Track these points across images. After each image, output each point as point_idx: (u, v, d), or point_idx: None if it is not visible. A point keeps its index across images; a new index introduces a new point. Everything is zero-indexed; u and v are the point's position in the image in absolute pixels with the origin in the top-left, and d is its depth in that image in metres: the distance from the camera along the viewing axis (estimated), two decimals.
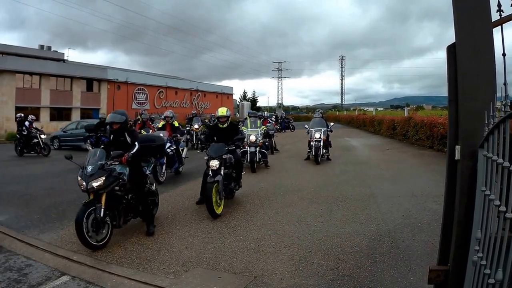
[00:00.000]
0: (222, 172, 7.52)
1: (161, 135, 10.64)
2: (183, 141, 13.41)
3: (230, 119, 8.79)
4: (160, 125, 12.68)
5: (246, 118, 16.57)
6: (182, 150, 12.84)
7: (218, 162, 7.45)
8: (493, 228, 2.46)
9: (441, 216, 3.57)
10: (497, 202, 2.35)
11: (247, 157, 12.75)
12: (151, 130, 14.30)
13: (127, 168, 6.22)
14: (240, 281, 4.58)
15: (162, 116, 13.16)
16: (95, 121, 22.52)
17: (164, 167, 11.02)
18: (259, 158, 13.08)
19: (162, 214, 7.44)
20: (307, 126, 15.10)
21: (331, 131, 15.27)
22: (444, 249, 3.49)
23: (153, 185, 7.22)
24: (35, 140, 18.35)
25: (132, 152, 6.20)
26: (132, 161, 6.27)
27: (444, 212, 3.53)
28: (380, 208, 7.56)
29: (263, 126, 14.62)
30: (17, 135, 19.06)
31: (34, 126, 18.95)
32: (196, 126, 21.52)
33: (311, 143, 14.29)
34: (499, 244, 2.29)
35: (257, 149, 12.95)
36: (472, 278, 2.73)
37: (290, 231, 6.33)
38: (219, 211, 7.25)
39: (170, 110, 13.23)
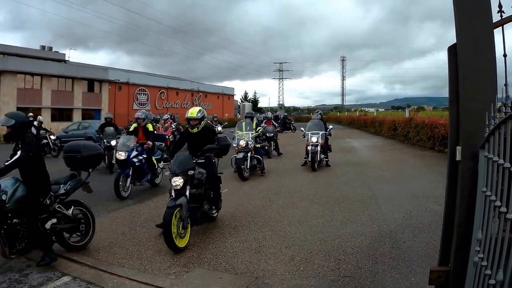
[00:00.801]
0: (187, 193, 5.93)
1: (126, 141, 9.66)
2: (160, 148, 11.40)
3: (204, 121, 6.89)
4: (131, 128, 10.74)
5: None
6: (160, 159, 10.75)
7: (182, 180, 5.88)
8: (494, 229, 2.46)
9: (442, 217, 3.57)
10: (498, 203, 2.35)
11: (233, 164, 11.74)
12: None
13: (17, 184, 4.99)
14: (241, 281, 4.58)
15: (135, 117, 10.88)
16: (96, 122, 22.59)
17: (129, 180, 9.21)
18: (252, 165, 11.86)
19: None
20: (303, 129, 13.71)
21: (330, 134, 14.08)
22: (445, 249, 3.49)
23: (68, 209, 5.55)
24: (45, 141, 18.32)
25: (6, 163, 4.88)
26: (25, 175, 5.08)
27: (445, 213, 3.52)
28: (381, 209, 7.56)
29: (260, 128, 13.21)
30: None
31: (44, 127, 18.96)
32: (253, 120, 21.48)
33: (308, 148, 12.88)
34: (500, 245, 2.29)
35: (249, 154, 11.60)
36: (473, 279, 2.73)
37: (291, 232, 6.34)
38: (181, 243, 5.64)
39: (143, 110, 11.03)
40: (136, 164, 9.40)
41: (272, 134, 17.17)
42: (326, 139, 13.48)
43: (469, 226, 3.02)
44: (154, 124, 15.43)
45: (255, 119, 14.62)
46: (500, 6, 3.14)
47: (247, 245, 5.78)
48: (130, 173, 9.24)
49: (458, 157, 3.27)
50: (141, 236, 6.29)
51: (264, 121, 20.54)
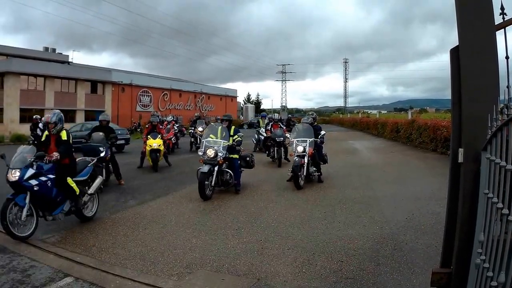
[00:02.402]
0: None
1: (24, 154, 6.37)
2: (91, 164, 7.74)
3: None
4: (43, 137, 7.33)
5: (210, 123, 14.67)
6: (88, 181, 7.45)
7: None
8: (496, 231, 2.46)
9: (444, 218, 3.57)
10: (500, 205, 2.35)
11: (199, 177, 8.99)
12: (158, 136, 13.62)
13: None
14: (243, 283, 4.59)
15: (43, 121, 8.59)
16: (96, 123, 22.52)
17: (24, 211, 6.04)
18: (224, 180, 9.53)
19: (164, 216, 7.46)
20: (289, 135, 11.65)
21: (322, 142, 11.38)
22: (447, 251, 3.49)
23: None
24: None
25: None
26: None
27: (447, 215, 3.52)
28: (384, 211, 7.55)
29: (237, 136, 9.88)
30: (31, 137, 19.07)
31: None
32: (200, 128, 19.83)
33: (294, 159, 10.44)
34: (502, 247, 2.29)
35: (216, 168, 9.11)
36: (475, 281, 2.73)
37: (294, 234, 6.34)
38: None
39: (56, 110, 7.29)
40: (35, 188, 6.16)
41: (282, 139, 14.63)
42: (319, 147, 11.25)
43: (471, 228, 3.02)
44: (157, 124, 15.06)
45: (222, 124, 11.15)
46: (502, 8, 3.15)
47: (250, 246, 5.78)
48: (27, 201, 6.10)
49: (461, 159, 3.27)
50: (144, 237, 6.30)
51: (270, 124, 18.39)
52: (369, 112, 78.92)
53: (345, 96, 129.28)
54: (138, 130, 41.80)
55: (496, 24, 3.21)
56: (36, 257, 5.47)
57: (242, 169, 10.17)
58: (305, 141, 10.50)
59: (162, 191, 10.04)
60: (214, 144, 9.40)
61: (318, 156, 10.96)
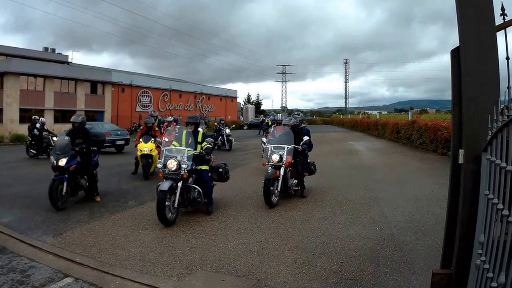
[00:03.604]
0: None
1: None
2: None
3: None
4: None
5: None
6: None
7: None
8: (496, 231, 2.46)
9: (444, 219, 3.57)
10: (500, 206, 2.35)
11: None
12: (155, 139, 12.36)
13: None
14: (243, 284, 4.58)
15: None
16: (99, 123, 22.46)
17: None
18: (191, 198, 7.46)
19: None
20: (264, 140, 9.74)
21: (305, 150, 9.16)
22: (447, 252, 3.49)
23: None
24: (47, 142, 18.38)
25: None
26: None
27: (447, 216, 3.53)
28: (384, 212, 7.55)
29: (205, 143, 7.80)
30: (29, 137, 19.10)
31: (46, 129, 19.01)
32: (199, 129, 19.70)
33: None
34: (502, 247, 2.29)
35: (179, 184, 7.10)
36: (475, 282, 2.73)
37: (294, 234, 6.33)
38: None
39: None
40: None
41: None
42: (305, 156, 9.40)
43: (471, 229, 3.03)
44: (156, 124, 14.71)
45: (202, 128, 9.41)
46: (503, 9, 3.15)
47: (250, 247, 5.78)
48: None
49: (461, 160, 3.27)
50: (144, 238, 6.29)
51: (273, 126, 15.46)
52: (369, 112, 78.95)
53: (346, 97, 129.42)
54: (138, 130, 41.82)
55: (496, 25, 3.21)
56: (35, 258, 5.46)
57: (214, 182, 8.40)
58: (283, 148, 8.67)
59: None
60: (176, 154, 7.45)
61: (301, 166, 9.18)
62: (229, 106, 68.75)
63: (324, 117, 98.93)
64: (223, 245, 5.87)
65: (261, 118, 47.21)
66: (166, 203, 6.85)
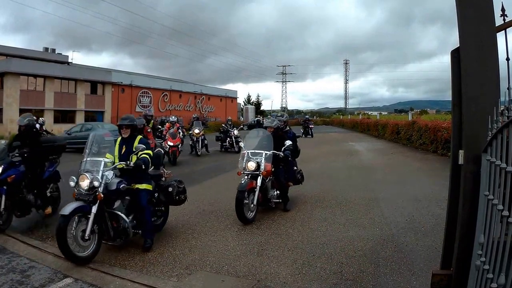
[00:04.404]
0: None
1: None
2: None
3: None
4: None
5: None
6: None
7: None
8: (496, 232, 2.46)
9: (444, 220, 3.57)
10: (500, 207, 2.35)
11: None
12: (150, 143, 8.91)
13: None
14: (243, 284, 4.58)
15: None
16: (99, 124, 22.32)
17: None
18: (120, 228, 5.56)
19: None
20: (242, 145, 8.05)
21: (286, 156, 7.74)
22: (447, 253, 3.49)
23: None
24: None
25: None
26: None
27: (447, 217, 3.52)
28: (384, 213, 7.55)
29: (142, 153, 5.81)
30: None
31: (45, 129, 18.99)
32: (196, 130, 18.54)
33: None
34: (502, 248, 2.28)
35: (94, 209, 5.20)
36: (475, 283, 2.73)
37: (294, 235, 6.33)
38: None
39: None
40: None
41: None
42: (289, 163, 8.11)
43: (471, 230, 3.02)
44: (158, 126, 14.23)
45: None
46: (503, 10, 3.15)
47: (250, 248, 5.77)
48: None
49: (461, 160, 3.27)
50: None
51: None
52: (369, 113, 78.98)
53: (346, 97, 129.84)
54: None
55: (497, 25, 3.21)
56: (35, 258, 5.46)
57: (161, 207, 6.60)
58: (260, 154, 7.44)
59: None
60: (93, 167, 5.55)
61: (285, 175, 8.00)
62: (229, 107, 68.73)
63: (324, 117, 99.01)
64: (223, 246, 5.86)
65: (257, 119, 46.70)
66: (71, 232, 5.07)
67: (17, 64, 36.43)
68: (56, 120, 38.73)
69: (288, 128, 8.99)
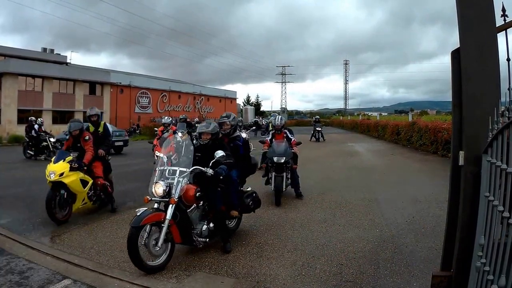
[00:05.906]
0: None
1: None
2: None
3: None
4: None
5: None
6: None
7: None
8: (497, 234, 2.45)
9: (445, 221, 3.56)
10: (501, 208, 2.34)
11: None
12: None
13: None
14: (242, 286, 4.56)
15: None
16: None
17: None
18: None
19: None
20: (158, 154, 5.85)
21: (218, 174, 5.50)
22: (447, 254, 3.48)
23: None
24: (44, 143, 18.35)
25: None
26: None
27: (448, 218, 3.51)
28: (384, 214, 7.54)
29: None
30: (26, 138, 19.07)
31: (43, 130, 18.99)
32: (179, 134, 11.78)
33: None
34: (502, 250, 2.27)
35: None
36: (475, 284, 2.72)
37: (293, 236, 6.31)
38: None
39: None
40: None
41: (285, 159, 8.65)
42: (231, 184, 6.04)
43: (471, 231, 3.01)
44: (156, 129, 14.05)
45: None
46: (503, 10, 3.14)
47: (249, 249, 5.76)
48: None
49: (461, 161, 3.26)
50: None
51: (271, 132, 10.30)
52: (369, 114, 79.09)
53: (346, 98, 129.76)
54: (137, 131, 41.76)
55: (497, 26, 3.20)
56: (34, 259, 5.44)
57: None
58: (175, 172, 5.37)
59: None
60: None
61: (224, 200, 5.93)
62: (228, 107, 68.72)
63: (324, 118, 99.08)
64: (222, 247, 5.85)
65: (255, 120, 46.46)
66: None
67: (15, 65, 36.34)
68: (55, 121, 38.64)
69: (238, 133, 7.09)
